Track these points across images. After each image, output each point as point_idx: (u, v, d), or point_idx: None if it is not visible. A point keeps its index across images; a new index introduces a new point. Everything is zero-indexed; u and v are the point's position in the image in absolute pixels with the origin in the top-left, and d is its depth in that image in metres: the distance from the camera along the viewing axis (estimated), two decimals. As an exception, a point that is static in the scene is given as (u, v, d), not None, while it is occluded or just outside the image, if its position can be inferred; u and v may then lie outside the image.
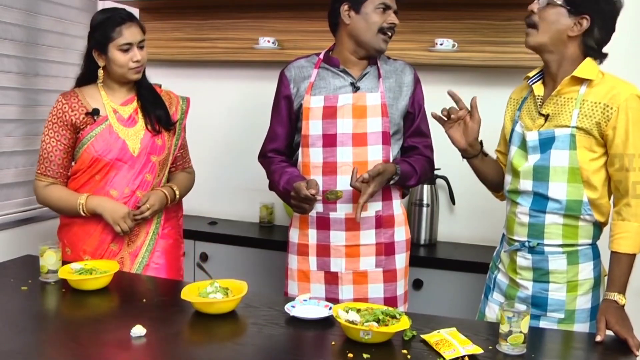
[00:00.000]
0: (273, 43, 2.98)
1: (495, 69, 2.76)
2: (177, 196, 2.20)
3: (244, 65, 3.15)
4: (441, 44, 2.71)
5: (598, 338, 1.57)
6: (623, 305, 1.66)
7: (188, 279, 2.46)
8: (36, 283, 1.86)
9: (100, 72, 2.08)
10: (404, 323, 1.51)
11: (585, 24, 1.70)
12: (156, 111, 2.15)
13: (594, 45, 1.74)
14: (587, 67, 1.73)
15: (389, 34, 2.04)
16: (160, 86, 2.31)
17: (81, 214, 2.05)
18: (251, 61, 3.08)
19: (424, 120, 2.15)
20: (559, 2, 1.71)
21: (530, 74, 1.87)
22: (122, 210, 2.03)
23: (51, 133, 2.08)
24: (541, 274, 1.79)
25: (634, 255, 1.69)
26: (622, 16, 1.77)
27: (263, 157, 2.20)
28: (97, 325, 1.58)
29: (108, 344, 1.46)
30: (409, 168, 2.06)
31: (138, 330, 1.49)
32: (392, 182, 2.02)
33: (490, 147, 2.46)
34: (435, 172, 2.74)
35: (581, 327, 1.76)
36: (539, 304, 1.78)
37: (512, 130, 1.89)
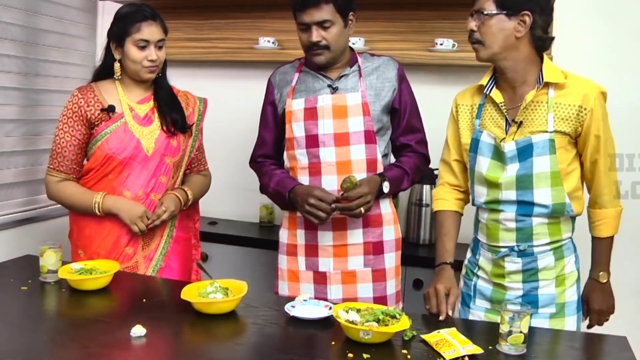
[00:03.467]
0: (273, 43, 2.98)
1: (495, 69, 2.76)
2: (190, 199, 2.16)
3: (244, 65, 3.15)
4: (441, 44, 2.71)
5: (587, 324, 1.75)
6: (606, 283, 1.83)
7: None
8: (36, 283, 1.86)
9: (117, 66, 2.05)
10: (404, 323, 1.51)
11: (528, 20, 1.69)
12: (172, 114, 2.12)
13: (542, 35, 1.73)
14: (551, 71, 1.74)
15: (315, 50, 1.99)
16: None
17: (96, 213, 2.02)
18: (251, 61, 3.08)
19: (414, 115, 2.14)
20: (495, 12, 1.70)
21: (483, 82, 1.84)
22: (140, 210, 2.01)
23: (65, 127, 2.05)
24: (530, 274, 1.80)
25: (612, 236, 1.84)
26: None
27: (253, 162, 2.24)
28: (97, 325, 1.58)
29: (108, 344, 1.45)
30: (398, 172, 2.07)
31: (138, 330, 1.49)
32: (386, 190, 2.03)
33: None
34: (436, 172, 2.73)
35: (571, 319, 1.79)
36: (529, 302, 1.77)
37: (475, 139, 1.84)
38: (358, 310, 1.56)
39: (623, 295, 2.59)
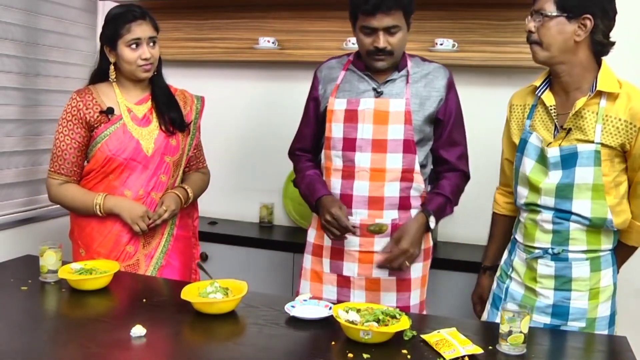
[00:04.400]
0: (273, 43, 2.98)
1: (495, 69, 2.76)
2: (191, 197, 2.18)
3: (244, 65, 3.15)
4: (441, 44, 2.71)
5: None
6: None
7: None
8: (36, 283, 1.86)
9: (112, 69, 2.07)
10: (404, 323, 1.51)
11: (589, 24, 1.64)
12: (170, 113, 2.13)
13: (602, 40, 1.68)
14: (607, 79, 1.68)
15: (379, 56, 1.93)
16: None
17: (97, 213, 2.03)
18: (251, 61, 3.08)
19: (457, 127, 2.05)
20: (555, 13, 1.65)
21: (537, 83, 1.81)
22: (141, 209, 2.03)
23: (65, 130, 2.06)
24: (563, 282, 1.75)
25: (634, 247, 1.85)
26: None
27: (291, 155, 2.23)
28: (97, 325, 1.58)
29: (108, 344, 1.45)
30: (441, 201, 2.03)
31: (138, 330, 1.49)
32: (432, 225, 2.00)
33: (486, 146, 2.45)
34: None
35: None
36: (560, 313, 1.75)
37: (524, 140, 1.81)
38: (358, 310, 1.56)
39: (623, 295, 2.59)
